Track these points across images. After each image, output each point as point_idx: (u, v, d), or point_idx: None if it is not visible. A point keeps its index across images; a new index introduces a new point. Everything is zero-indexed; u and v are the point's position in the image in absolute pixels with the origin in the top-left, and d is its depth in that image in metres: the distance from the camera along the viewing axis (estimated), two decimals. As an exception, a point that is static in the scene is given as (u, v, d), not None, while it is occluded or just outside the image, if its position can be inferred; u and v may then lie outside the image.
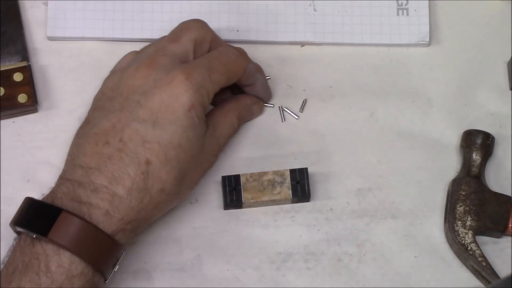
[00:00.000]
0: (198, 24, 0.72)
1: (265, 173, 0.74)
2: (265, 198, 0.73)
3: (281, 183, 0.74)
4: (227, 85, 0.71)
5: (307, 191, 0.74)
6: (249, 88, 0.76)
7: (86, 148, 0.67)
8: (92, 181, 0.65)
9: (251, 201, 0.73)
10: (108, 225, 0.64)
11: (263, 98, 0.77)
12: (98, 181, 0.65)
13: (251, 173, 0.74)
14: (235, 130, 0.75)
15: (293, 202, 0.75)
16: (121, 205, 0.64)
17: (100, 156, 0.66)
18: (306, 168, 0.74)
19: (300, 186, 0.74)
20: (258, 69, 0.76)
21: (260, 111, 0.77)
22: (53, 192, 0.66)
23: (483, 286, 0.72)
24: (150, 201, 0.66)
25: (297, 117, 0.78)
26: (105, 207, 0.64)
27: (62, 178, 0.67)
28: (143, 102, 0.67)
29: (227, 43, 0.74)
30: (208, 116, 0.71)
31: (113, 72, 0.72)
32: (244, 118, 0.76)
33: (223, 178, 0.74)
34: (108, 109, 0.68)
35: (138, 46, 0.79)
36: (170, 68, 0.68)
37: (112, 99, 0.68)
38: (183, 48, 0.70)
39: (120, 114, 0.67)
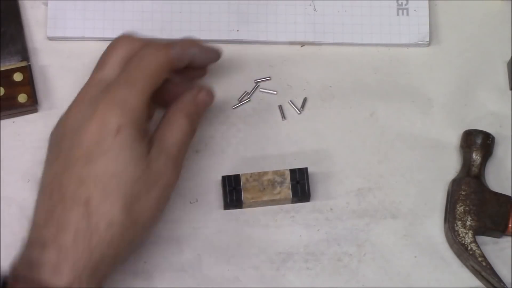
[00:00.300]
0: (124, 41, 0.69)
1: (265, 173, 0.74)
2: (265, 198, 0.73)
3: (281, 183, 0.74)
4: (159, 83, 0.68)
5: (307, 191, 0.74)
6: (193, 67, 0.72)
7: (38, 203, 0.66)
8: (41, 236, 0.63)
9: (251, 201, 0.73)
10: (58, 280, 0.61)
11: (211, 61, 0.73)
12: (45, 235, 0.63)
13: (251, 173, 0.74)
14: (189, 131, 0.69)
15: (293, 202, 0.75)
16: (68, 254, 0.62)
17: (48, 208, 0.64)
18: (306, 168, 0.74)
19: (300, 186, 0.74)
20: (187, 45, 0.71)
21: (210, 97, 0.72)
22: (16, 257, 0.65)
23: (483, 286, 0.72)
24: (100, 240, 0.62)
25: (299, 112, 0.78)
26: (53, 262, 0.62)
27: (25, 240, 0.65)
28: (75, 141, 0.65)
29: (151, 43, 0.70)
30: (155, 130, 0.69)
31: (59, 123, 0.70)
32: (197, 113, 0.70)
33: (223, 178, 0.74)
34: (51, 158, 0.67)
35: (138, 46, 0.79)
36: (96, 98, 0.66)
37: (53, 146, 0.67)
38: (109, 72, 0.68)
39: (59, 160, 0.65)
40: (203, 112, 0.72)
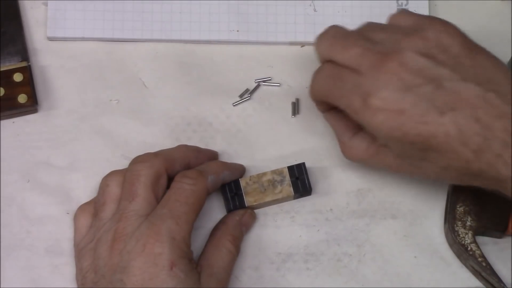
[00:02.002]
0: (147, 164, 0.69)
1: (263, 174, 0.74)
2: (268, 198, 0.73)
3: (281, 182, 0.74)
4: (200, 211, 0.69)
5: (307, 185, 0.74)
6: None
7: None
8: None
9: (254, 203, 0.73)
10: None
11: (237, 178, 0.74)
12: None
13: (250, 176, 0.74)
14: (235, 253, 0.72)
15: (295, 198, 0.75)
16: None
17: None
18: (303, 163, 0.74)
19: (300, 181, 0.74)
20: (220, 171, 0.72)
21: (253, 219, 0.75)
22: None
23: (483, 286, 0.72)
24: None
25: (298, 113, 0.78)
26: None
27: None
28: (126, 279, 0.65)
29: (185, 172, 0.70)
30: (202, 255, 0.70)
31: (82, 250, 0.69)
32: (241, 236, 0.73)
33: (223, 185, 0.73)
34: None
35: (138, 46, 0.79)
36: (138, 233, 0.66)
37: (97, 283, 0.67)
38: (143, 201, 0.68)
39: None
40: (247, 232, 0.74)
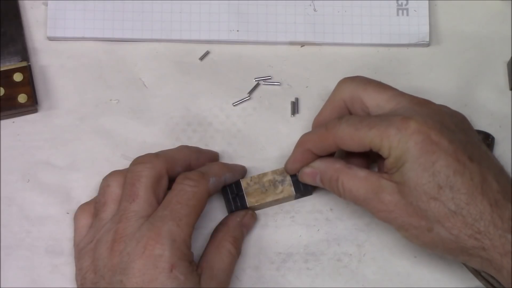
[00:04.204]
0: (148, 165, 0.69)
1: (264, 174, 0.74)
2: (269, 199, 0.73)
3: (282, 182, 0.74)
4: (201, 213, 0.69)
5: (308, 185, 0.73)
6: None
7: None
8: None
9: (256, 204, 0.73)
10: None
11: (238, 179, 0.74)
12: None
13: (251, 177, 0.74)
14: (236, 254, 0.72)
15: (296, 198, 0.75)
16: None
17: None
18: None
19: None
20: (221, 173, 0.72)
21: (254, 220, 0.75)
22: None
23: (483, 286, 0.72)
24: None
25: (298, 112, 0.78)
26: None
27: None
28: (126, 280, 0.65)
29: (187, 174, 0.70)
30: (203, 257, 0.70)
31: (81, 250, 0.69)
32: (242, 237, 0.73)
33: (224, 187, 0.73)
34: None
35: (138, 46, 0.79)
36: (138, 234, 0.66)
37: (96, 284, 0.67)
38: (143, 203, 0.68)
39: None
40: (247, 234, 0.74)
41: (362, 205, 0.68)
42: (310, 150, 0.71)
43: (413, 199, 0.65)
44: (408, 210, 0.65)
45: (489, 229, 0.63)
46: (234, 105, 0.78)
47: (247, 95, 0.79)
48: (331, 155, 0.71)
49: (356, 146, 0.67)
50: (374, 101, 0.69)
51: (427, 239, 0.66)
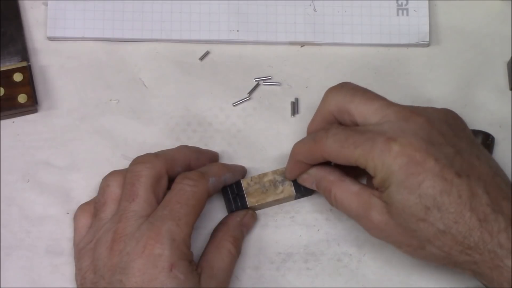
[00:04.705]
0: (147, 165, 0.69)
1: (265, 174, 0.74)
2: (269, 199, 0.73)
3: (283, 182, 0.74)
4: (200, 213, 0.69)
5: None
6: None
7: None
8: None
9: (256, 204, 0.73)
10: None
11: (238, 179, 0.74)
12: None
13: (251, 177, 0.74)
14: (236, 254, 0.72)
15: (296, 198, 0.75)
16: None
17: None
18: None
19: None
20: (221, 173, 0.72)
21: (254, 220, 0.75)
22: None
23: (483, 286, 0.72)
24: None
25: (298, 112, 0.78)
26: None
27: None
28: (125, 280, 0.65)
29: (187, 174, 0.70)
30: (203, 256, 0.70)
31: (81, 250, 0.69)
32: (241, 237, 0.73)
33: (224, 187, 0.73)
34: None
35: (138, 46, 0.79)
36: (138, 234, 0.66)
37: (96, 284, 0.67)
38: (143, 202, 0.68)
39: None
40: (247, 234, 0.74)
41: (354, 219, 0.69)
42: (302, 161, 0.71)
43: (401, 220, 0.65)
44: (398, 230, 0.65)
45: (479, 245, 0.63)
46: (234, 105, 0.78)
47: (247, 95, 0.79)
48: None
49: (343, 162, 0.67)
50: (361, 113, 0.68)
51: (420, 255, 0.66)
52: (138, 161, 0.70)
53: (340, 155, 0.67)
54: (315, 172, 0.71)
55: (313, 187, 0.72)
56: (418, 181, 0.63)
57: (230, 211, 0.74)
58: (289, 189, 0.73)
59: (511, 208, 0.64)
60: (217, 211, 0.75)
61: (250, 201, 0.73)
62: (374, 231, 0.67)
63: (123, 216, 0.67)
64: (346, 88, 0.70)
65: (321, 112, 0.71)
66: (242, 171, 0.75)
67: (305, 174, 0.72)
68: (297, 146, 0.71)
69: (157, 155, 0.70)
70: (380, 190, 0.66)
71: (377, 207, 0.66)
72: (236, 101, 0.78)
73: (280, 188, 0.73)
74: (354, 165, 0.67)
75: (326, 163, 0.71)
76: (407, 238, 0.65)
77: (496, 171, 0.66)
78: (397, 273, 0.74)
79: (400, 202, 0.64)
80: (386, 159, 0.64)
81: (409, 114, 0.66)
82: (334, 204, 0.70)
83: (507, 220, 0.63)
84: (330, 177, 0.70)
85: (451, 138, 0.66)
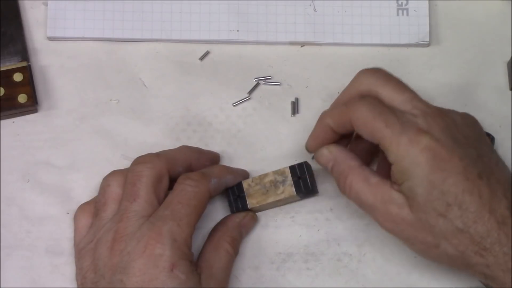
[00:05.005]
0: (148, 165, 0.69)
1: (265, 175, 0.73)
2: (270, 199, 0.73)
3: (283, 182, 0.73)
4: (202, 214, 0.69)
5: (309, 184, 0.73)
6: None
7: None
8: None
9: (257, 205, 0.73)
10: None
11: (239, 181, 0.74)
12: None
13: (252, 178, 0.74)
14: (234, 254, 0.72)
15: (300, 198, 0.74)
16: None
17: None
18: (306, 162, 0.73)
19: (303, 181, 0.73)
20: (222, 174, 0.72)
21: (254, 221, 0.75)
22: None
23: (483, 286, 0.72)
24: None
25: (298, 112, 0.78)
26: None
27: None
28: (126, 280, 0.65)
29: (189, 174, 0.70)
30: (201, 256, 0.70)
31: (82, 250, 0.69)
32: (240, 237, 0.73)
33: (226, 189, 0.73)
34: None
35: (138, 46, 0.79)
36: (139, 234, 0.66)
37: (96, 284, 0.66)
38: (144, 202, 0.68)
39: None
40: (246, 235, 0.74)
41: (366, 211, 0.68)
42: (329, 125, 0.70)
43: (422, 215, 0.65)
44: (415, 225, 0.65)
45: (495, 247, 0.63)
46: (234, 106, 0.78)
47: (247, 95, 0.79)
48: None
49: (367, 135, 0.67)
50: (391, 99, 0.68)
51: (433, 254, 0.66)
52: (139, 161, 0.70)
53: (368, 125, 0.66)
54: (336, 151, 0.70)
55: (328, 168, 0.71)
56: (442, 177, 0.64)
57: (232, 212, 0.74)
58: (290, 189, 0.73)
59: None
60: (219, 212, 0.75)
61: (250, 202, 0.73)
62: (389, 224, 0.67)
63: (124, 216, 0.67)
64: (380, 72, 0.70)
65: (350, 90, 0.71)
66: (244, 175, 0.75)
67: (325, 150, 0.71)
68: (326, 111, 0.71)
69: (158, 155, 0.70)
70: (398, 183, 0.66)
71: (398, 200, 0.66)
72: (236, 101, 0.78)
73: (281, 188, 0.73)
74: (376, 142, 0.67)
75: (349, 150, 0.70)
76: (423, 234, 0.65)
77: (510, 176, 0.67)
78: (397, 272, 0.74)
79: (423, 195, 0.64)
80: (413, 150, 0.64)
81: (438, 112, 0.67)
82: (347, 192, 0.69)
83: None
84: (350, 162, 0.69)
85: (473, 141, 0.67)
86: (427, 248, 0.66)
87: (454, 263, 0.66)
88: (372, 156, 0.74)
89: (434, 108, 0.68)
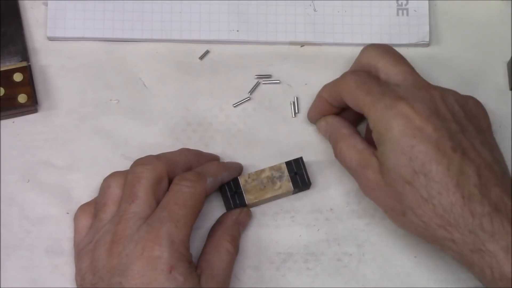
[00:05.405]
0: (148, 167, 0.69)
1: (262, 171, 0.74)
2: (268, 195, 0.73)
3: (280, 177, 0.74)
4: (199, 213, 0.69)
5: (306, 179, 0.74)
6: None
7: None
8: None
9: (255, 201, 0.73)
10: None
11: (235, 177, 0.74)
12: None
13: (249, 174, 0.74)
14: (234, 253, 0.71)
15: (294, 193, 0.75)
16: None
17: None
18: (301, 157, 0.74)
19: (299, 176, 0.74)
20: (218, 172, 0.72)
21: (249, 217, 0.75)
22: None
23: (482, 286, 0.72)
24: None
25: (298, 112, 0.78)
26: None
27: None
28: (125, 282, 0.65)
29: (185, 174, 0.70)
30: (201, 257, 0.70)
31: (81, 251, 0.69)
32: (239, 235, 0.73)
33: (222, 186, 0.73)
34: None
35: (138, 46, 0.79)
36: (137, 236, 0.66)
37: (95, 285, 0.66)
38: (143, 204, 0.67)
39: None
40: (243, 232, 0.74)
41: (353, 176, 0.71)
42: (324, 98, 0.74)
43: (390, 180, 0.66)
44: (386, 191, 0.67)
45: (459, 223, 0.63)
46: (234, 106, 0.78)
47: (247, 95, 0.79)
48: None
49: (352, 104, 0.70)
50: (386, 71, 0.70)
51: (401, 222, 0.67)
52: (139, 162, 0.70)
53: (352, 95, 0.69)
54: (332, 121, 0.74)
55: (326, 136, 0.74)
56: (412, 143, 0.65)
57: (229, 209, 0.74)
58: (287, 184, 0.73)
59: (499, 195, 0.64)
60: (215, 211, 0.75)
61: (248, 198, 0.73)
62: (367, 190, 0.69)
63: (122, 217, 0.67)
64: (382, 47, 0.73)
65: (354, 65, 0.74)
66: (239, 169, 0.75)
67: (323, 121, 0.75)
68: (325, 84, 0.74)
69: (158, 157, 0.70)
70: (376, 147, 0.68)
71: (373, 165, 0.68)
72: (236, 101, 0.78)
73: (278, 184, 0.74)
74: (360, 111, 0.69)
75: (344, 120, 0.74)
76: (392, 201, 0.66)
77: (498, 161, 0.67)
78: (397, 273, 0.74)
79: (392, 160, 0.65)
80: (387, 114, 0.66)
81: (426, 84, 0.69)
82: (338, 157, 0.72)
83: (492, 205, 0.63)
84: (343, 130, 0.72)
85: (460, 118, 0.67)
86: (396, 216, 0.67)
87: (421, 234, 0.66)
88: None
89: (424, 83, 0.69)
